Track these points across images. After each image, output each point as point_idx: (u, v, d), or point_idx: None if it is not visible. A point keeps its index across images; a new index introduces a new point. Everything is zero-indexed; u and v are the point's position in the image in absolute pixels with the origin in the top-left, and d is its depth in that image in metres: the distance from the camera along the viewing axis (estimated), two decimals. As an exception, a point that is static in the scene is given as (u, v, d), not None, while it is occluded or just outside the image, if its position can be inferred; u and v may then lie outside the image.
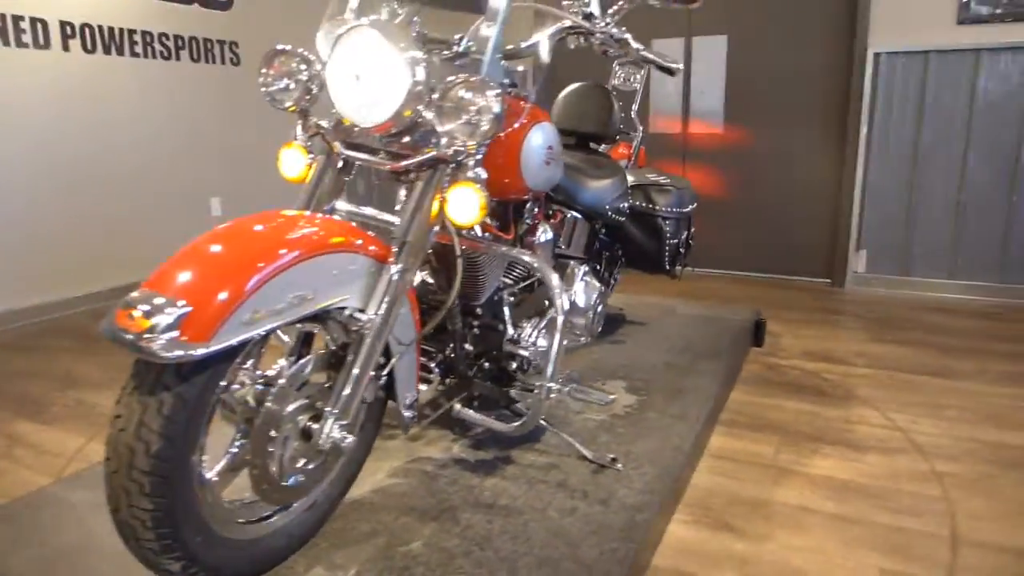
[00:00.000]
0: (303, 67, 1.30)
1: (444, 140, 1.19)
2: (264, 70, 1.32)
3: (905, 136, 3.50)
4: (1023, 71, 3.22)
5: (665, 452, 1.71)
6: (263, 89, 1.33)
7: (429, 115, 1.19)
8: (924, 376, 2.53)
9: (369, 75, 1.18)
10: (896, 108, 3.49)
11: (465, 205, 1.20)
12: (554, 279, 1.45)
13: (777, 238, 3.91)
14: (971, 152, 3.39)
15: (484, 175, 1.21)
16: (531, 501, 1.47)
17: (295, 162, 1.36)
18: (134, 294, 0.94)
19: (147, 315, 0.91)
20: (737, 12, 3.79)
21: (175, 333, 0.90)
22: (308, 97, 1.31)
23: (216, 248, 1.01)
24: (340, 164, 1.33)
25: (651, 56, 1.62)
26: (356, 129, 1.26)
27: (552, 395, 1.42)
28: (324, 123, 1.33)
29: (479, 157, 1.21)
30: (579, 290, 1.89)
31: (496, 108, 1.13)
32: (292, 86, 1.31)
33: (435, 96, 1.17)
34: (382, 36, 1.15)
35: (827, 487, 1.80)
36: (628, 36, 1.56)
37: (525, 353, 1.57)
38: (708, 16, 3.80)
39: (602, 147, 2.30)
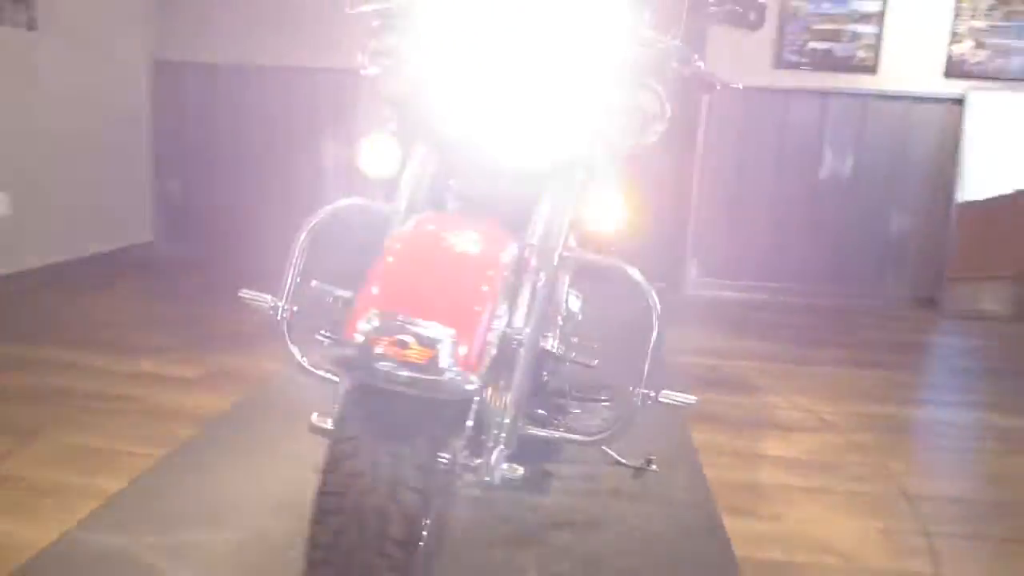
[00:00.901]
0: (410, 48, 1.16)
1: (590, 139, 1.15)
2: (364, 51, 1.16)
3: (730, 159, 4.05)
4: (819, 108, 3.93)
5: (673, 449, 1.81)
6: (363, 71, 1.16)
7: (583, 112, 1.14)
8: (793, 364, 2.95)
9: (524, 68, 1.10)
10: (724, 135, 4.02)
11: (609, 212, 1.17)
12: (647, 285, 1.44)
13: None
14: (781, 173, 4.04)
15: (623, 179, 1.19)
16: (602, 513, 1.47)
17: (386, 156, 1.21)
18: (378, 319, 0.78)
19: (424, 343, 0.76)
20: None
21: (453, 362, 0.76)
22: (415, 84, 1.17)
23: (432, 263, 0.88)
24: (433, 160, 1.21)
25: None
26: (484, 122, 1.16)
27: (649, 401, 1.43)
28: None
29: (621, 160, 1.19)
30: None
31: (668, 114, 1.13)
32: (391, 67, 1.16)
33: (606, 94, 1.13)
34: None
35: (786, 466, 2.03)
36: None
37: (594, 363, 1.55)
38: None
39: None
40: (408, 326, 0.77)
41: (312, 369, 1.48)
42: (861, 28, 3.82)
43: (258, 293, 1.71)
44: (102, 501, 1.55)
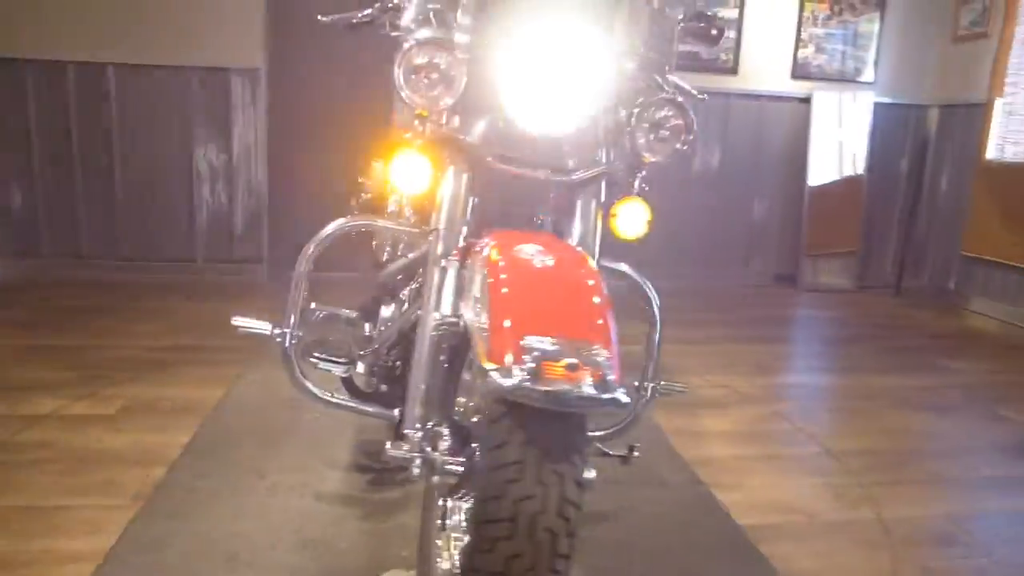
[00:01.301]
0: (450, 61, 1.14)
1: (615, 152, 1.21)
2: (402, 64, 1.13)
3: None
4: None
5: (646, 434, 1.93)
6: (404, 91, 1.13)
7: (609, 125, 1.19)
8: (688, 344, 3.20)
9: (568, 80, 1.12)
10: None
11: (635, 220, 1.24)
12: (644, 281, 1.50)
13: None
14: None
15: (647, 188, 1.26)
16: (612, 502, 1.54)
17: (419, 172, 1.19)
18: (537, 344, 0.78)
19: (589, 363, 0.78)
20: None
21: (615, 379, 0.79)
22: (450, 98, 1.16)
23: (548, 282, 0.89)
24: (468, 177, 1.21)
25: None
26: (517, 136, 1.17)
27: (658, 394, 1.51)
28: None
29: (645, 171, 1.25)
30: None
31: (695, 128, 1.21)
32: (433, 82, 1.14)
33: (632, 108, 1.18)
34: (588, 38, 1.12)
35: (730, 438, 2.23)
36: None
37: None
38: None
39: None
40: (571, 348, 0.78)
41: (326, 397, 1.42)
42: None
43: (253, 320, 1.61)
44: (96, 564, 1.38)
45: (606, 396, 0.77)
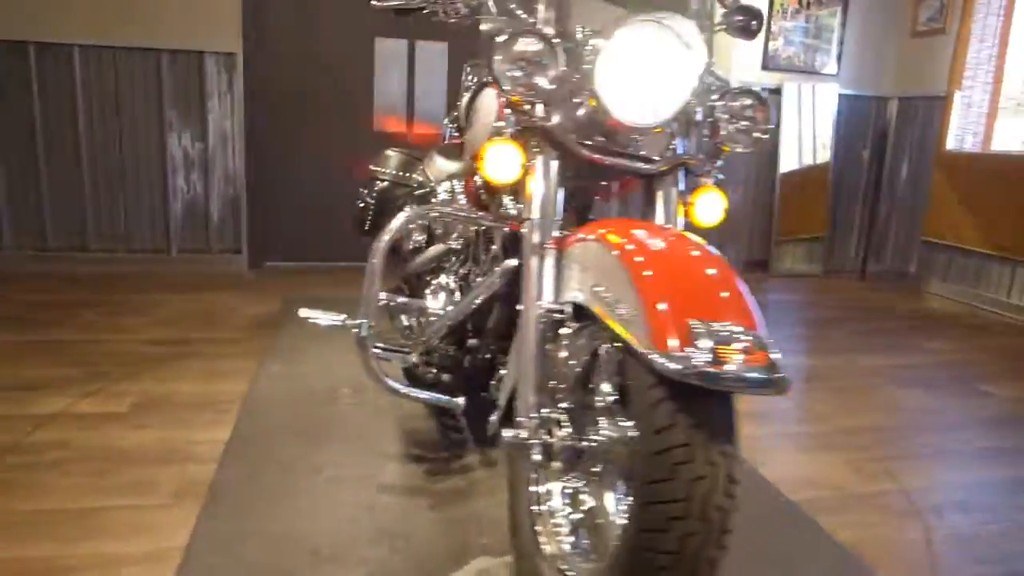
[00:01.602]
0: (547, 52, 1.14)
1: (693, 143, 1.24)
2: (501, 53, 1.12)
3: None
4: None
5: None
6: (505, 75, 1.12)
7: (696, 117, 1.22)
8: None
9: (663, 71, 1.14)
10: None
11: (713, 208, 1.27)
12: None
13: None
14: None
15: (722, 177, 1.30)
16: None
17: (510, 162, 1.19)
18: (703, 328, 0.81)
19: (760, 347, 0.81)
20: (456, 23, 4.06)
21: (778, 359, 0.83)
22: (547, 89, 1.16)
23: (687, 265, 0.92)
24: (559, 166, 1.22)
25: None
26: (601, 127, 1.19)
27: None
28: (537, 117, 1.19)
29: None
30: None
31: (774, 120, 1.24)
32: (529, 73, 1.14)
33: (716, 100, 1.21)
34: (680, 31, 1.14)
35: (746, 419, 2.31)
36: None
37: None
38: (430, 23, 3.98)
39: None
40: (735, 331, 0.81)
41: (400, 388, 1.41)
42: (699, 24, 4.27)
43: (322, 312, 1.58)
44: (161, 564, 1.33)
45: (775, 376, 0.80)
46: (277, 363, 2.35)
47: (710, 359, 0.78)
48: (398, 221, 1.43)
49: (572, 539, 1.12)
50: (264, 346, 2.63)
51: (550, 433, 1.06)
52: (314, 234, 4.01)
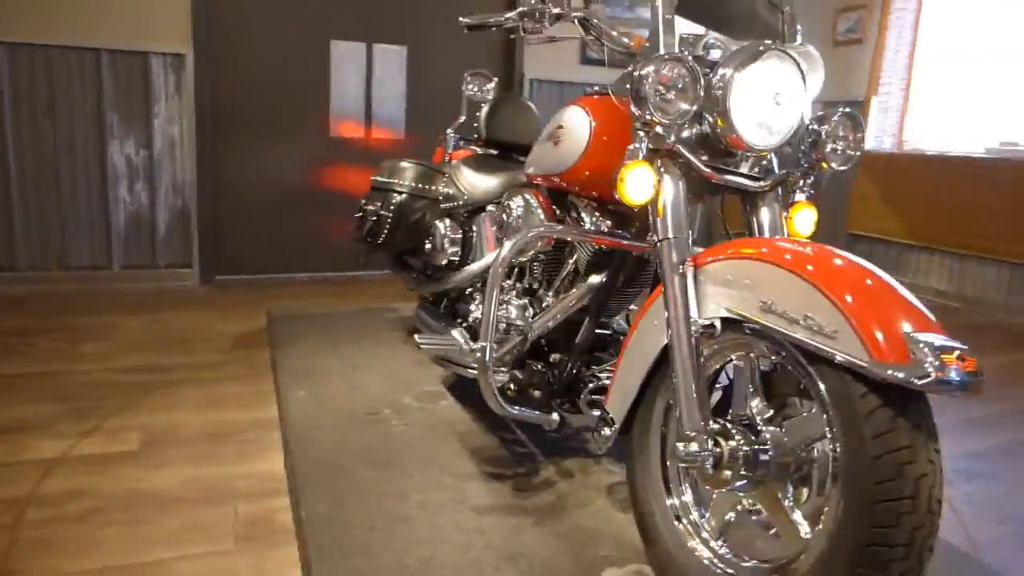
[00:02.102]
0: (691, 81, 1.18)
1: (792, 160, 1.30)
2: (651, 75, 1.14)
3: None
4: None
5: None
6: (648, 103, 1.14)
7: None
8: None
9: (785, 97, 1.20)
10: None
11: (808, 222, 1.34)
12: None
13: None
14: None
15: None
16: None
17: (646, 184, 1.21)
18: (922, 338, 0.87)
19: (969, 353, 0.88)
20: (416, 26, 3.99)
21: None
22: (685, 112, 1.19)
23: (873, 279, 0.97)
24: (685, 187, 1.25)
25: None
26: (729, 149, 1.23)
27: None
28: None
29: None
30: None
31: (863, 142, 1.32)
32: (675, 99, 1.17)
33: (815, 124, 1.28)
34: (799, 63, 1.19)
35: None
36: None
37: None
38: (389, 25, 3.90)
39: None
40: (945, 340, 0.88)
41: (511, 410, 1.40)
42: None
43: (439, 338, 1.53)
44: None
45: (982, 379, 0.87)
46: (299, 387, 2.23)
47: (939, 366, 0.85)
48: (525, 239, 1.42)
49: (721, 542, 1.17)
50: (255, 369, 2.50)
51: (717, 444, 1.10)
52: (269, 245, 3.83)
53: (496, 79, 2.57)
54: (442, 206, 2.19)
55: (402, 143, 4.09)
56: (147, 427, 2.03)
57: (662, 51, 1.22)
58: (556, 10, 1.43)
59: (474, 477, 1.68)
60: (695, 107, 1.18)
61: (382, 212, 2.28)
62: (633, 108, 1.19)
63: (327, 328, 2.88)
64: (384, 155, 4.03)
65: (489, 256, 1.91)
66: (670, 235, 1.21)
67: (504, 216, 1.73)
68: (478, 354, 1.40)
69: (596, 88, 1.53)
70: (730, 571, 1.14)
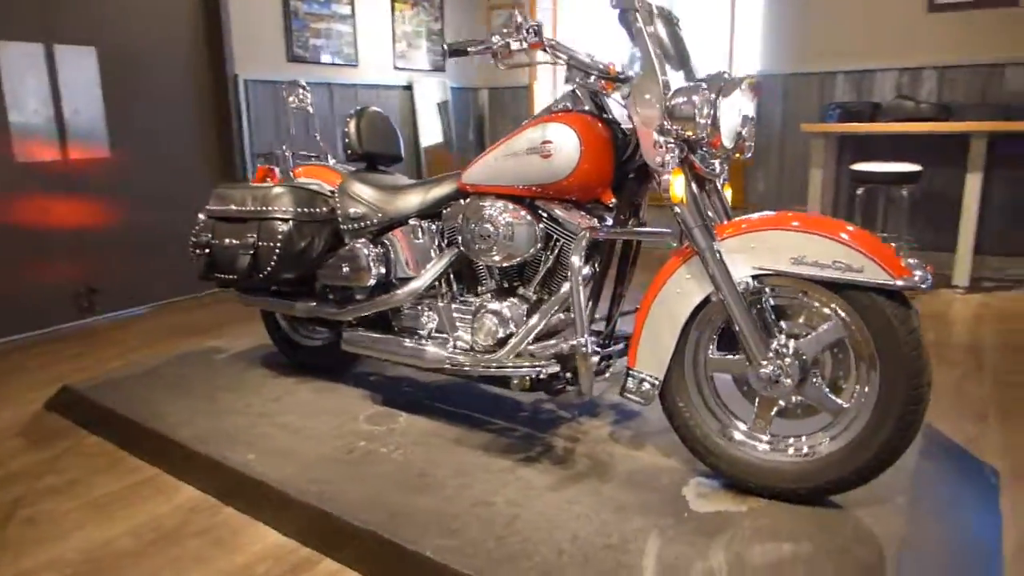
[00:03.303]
0: (713, 100, 1.53)
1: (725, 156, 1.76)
2: (676, 100, 1.47)
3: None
4: (327, 95, 4.44)
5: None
6: (699, 118, 1.47)
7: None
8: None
9: (749, 113, 1.64)
10: (260, 125, 4.11)
11: (728, 197, 1.84)
12: None
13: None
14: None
15: None
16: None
17: (683, 184, 1.55)
18: (910, 258, 1.41)
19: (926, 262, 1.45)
20: (104, 23, 3.39)
21: None
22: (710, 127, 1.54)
23: (852, 228, 1.47)
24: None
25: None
26: (710, 152, 1.63)
27: None
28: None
29: None
30: None
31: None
32: (703, 115, 1.51)
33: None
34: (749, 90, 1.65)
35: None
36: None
37: None
38: (71, 24, 3.26)
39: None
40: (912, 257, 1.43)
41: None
42: (342, 27, 4.48)
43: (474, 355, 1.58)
44: None
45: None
46: (237, 452, 1.94)
47: (924, 275, 1.40)
48: (585, 239, 1.67)
49: (766, 440, 1.62)
50: (107, 459, 2.09)
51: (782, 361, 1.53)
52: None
53: (307, 85, 2.52)
54: (347, 227, 2.14)
55: (111, 163, 3.51)
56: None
57: (662, 78, 1.56)
58: (534, 38, 1.64)
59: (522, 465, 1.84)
60: (708, 122, 1.56)
61: (261, 244, 2.11)
62: (673, 125, 1.53)
63: (175, 386, 2.43)
64: (91, 179, 3.42)
65: (433, 269, 2.00)
66: (701, 221, 1.58)
67: (474, 226, 1.85)
68: (582, 348, 1.60)
69: (562, 105, 1.78)
70: (776, 460, 1.60)
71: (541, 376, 1.75)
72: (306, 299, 2.24)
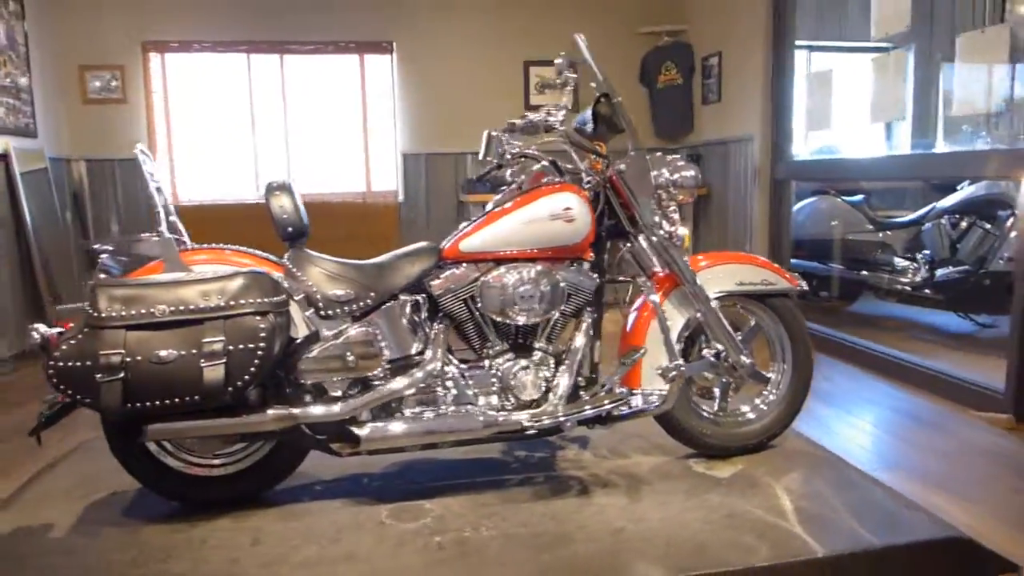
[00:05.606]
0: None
1: None
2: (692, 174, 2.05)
3: None
4: None
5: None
6: (687, 186, 2.02)
7: None
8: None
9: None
10: None
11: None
12: None
13: None
14: None
15: None
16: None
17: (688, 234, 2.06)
18: (794, 273, 2.23)
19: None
20: None
21: None
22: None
23: (758, 257, 2.21)
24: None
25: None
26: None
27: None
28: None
29: None
30: None
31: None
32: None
33: None
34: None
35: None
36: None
37: None
38: None
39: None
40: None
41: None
42: None
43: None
44: None
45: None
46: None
47: (800, 279, 2.19)
48: (603, 293, 2.06)
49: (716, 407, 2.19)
50: None
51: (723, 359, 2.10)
52: None
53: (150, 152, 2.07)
54: (327, 312, 1.86)
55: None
56: None
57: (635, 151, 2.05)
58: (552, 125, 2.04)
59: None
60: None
61: (233, 347, 1.67)
62: (674, 191, 2.02)
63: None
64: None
65: (437, 342, 1.93)
66: (684, 260, 2.09)
67: (512, 290, 1.92)
68: (672, 373, 1.99)
69: (559, 180, 2.04)
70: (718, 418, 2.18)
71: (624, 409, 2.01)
72: (259, 410, 1.80)
